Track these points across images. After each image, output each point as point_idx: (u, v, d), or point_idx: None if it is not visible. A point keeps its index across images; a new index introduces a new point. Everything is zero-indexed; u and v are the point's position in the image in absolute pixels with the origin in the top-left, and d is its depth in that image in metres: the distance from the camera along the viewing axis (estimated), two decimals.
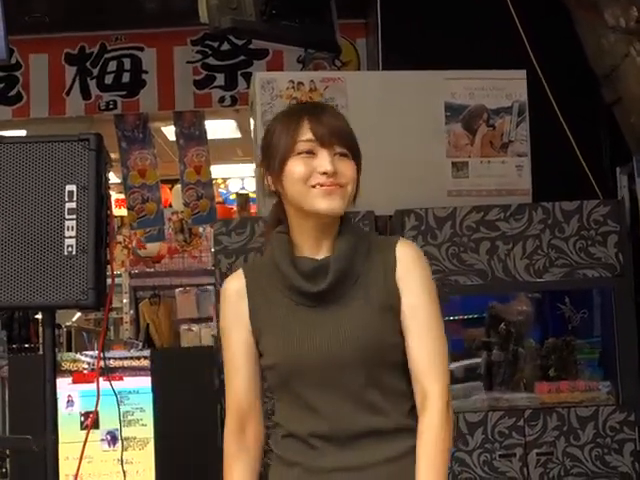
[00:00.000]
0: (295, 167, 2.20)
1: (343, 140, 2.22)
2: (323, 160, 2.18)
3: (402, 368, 2.23)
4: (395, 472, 2.18)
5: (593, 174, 5.01)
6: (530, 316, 4.88)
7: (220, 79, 6.80)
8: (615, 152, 5.37)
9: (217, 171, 8.49)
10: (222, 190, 11.02)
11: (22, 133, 7.02)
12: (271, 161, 2.25)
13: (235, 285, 2.31)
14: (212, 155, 7.52)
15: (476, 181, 4.86)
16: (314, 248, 2.25)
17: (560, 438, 4.44)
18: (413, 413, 2.22)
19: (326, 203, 2.18)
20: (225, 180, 11.14)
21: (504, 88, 4.91)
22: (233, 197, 10.83)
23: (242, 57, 6.78)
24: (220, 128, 8.80)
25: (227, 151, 9.74)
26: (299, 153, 2.20)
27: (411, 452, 2.17)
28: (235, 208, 10.39)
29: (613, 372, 4.57)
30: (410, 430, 2.20)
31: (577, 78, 5.36)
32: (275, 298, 2.25)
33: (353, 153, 2.24)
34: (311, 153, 2.19)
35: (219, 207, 8.75)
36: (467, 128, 4.89)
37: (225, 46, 6.78)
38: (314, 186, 2.18)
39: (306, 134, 2.20)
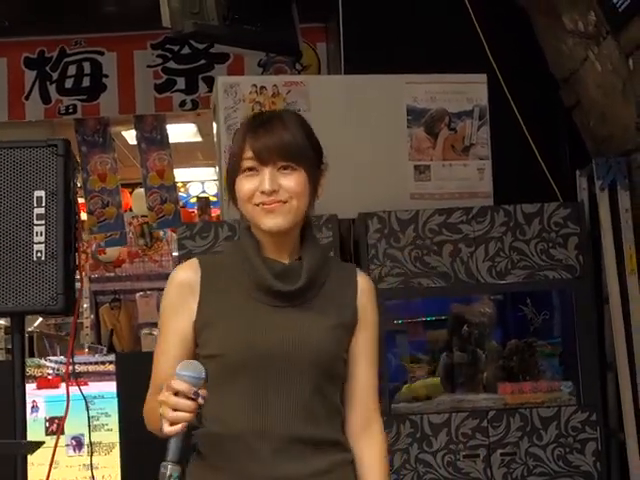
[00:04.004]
0: (240, 186, 2.22)
1: (285, 153, 2.18)
2: (262, 178, 2.18)
3: (339, 385, 2.29)
4: None
5: (553, 177, 5.06)
6: (492, 318, 4.92)
7: (181, 83, 6.78)
8: (575, 155, 5.43)
9: (178, 175, 8.46)
10: (182, 194, 11.00)
11: None
12: (228, 180, 2.28)
13: (188, 275, 2.27)
14: (173, 159, 7.50)
15: (438, 184, 4.89)
16: (276, 253, 2.26)
17: (523, 438, 4.49)
18: (342, 430, 2.29)
19: (269, 221, 2.19)
20: (185, 184, 11.13)
21: (465, 92, 4.95)
22: (193, 201, 10.81)
23: (203, 61, 6.76)
24: (180, 132, 8.78)
25: (188, 155, 9.71)
26: (243, 171, 2.21)
27: (339, 467, 2.23)
28: (196, 212, 10.37)
29: (574, 373, 4.62)
30: (340, 445, 2.27)
31: (537, 82, 5.41)
32: (234, 292, 2.23)
33: (301, 164, 2.20)
34: (254, 170, 2.19)
35: None
36: (429, 132, 4.93)
37: (185, 50, 6.76)
38: (257, 205, 2.19)
39: (247, 152, 2.20)
